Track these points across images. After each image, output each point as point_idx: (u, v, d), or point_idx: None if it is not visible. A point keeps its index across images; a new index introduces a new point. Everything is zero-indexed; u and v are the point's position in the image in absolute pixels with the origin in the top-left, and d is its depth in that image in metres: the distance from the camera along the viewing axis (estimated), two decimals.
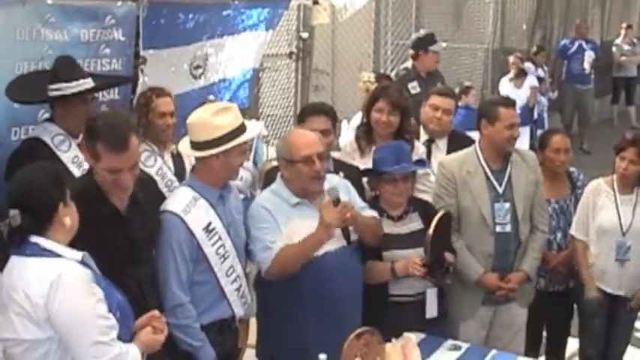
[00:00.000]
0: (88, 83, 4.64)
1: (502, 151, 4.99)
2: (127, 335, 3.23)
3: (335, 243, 4.28)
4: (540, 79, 12.53)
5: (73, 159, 4.48)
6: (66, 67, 4.61)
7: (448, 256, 4.65)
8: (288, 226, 4.24)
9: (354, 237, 4.38)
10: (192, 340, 3.96)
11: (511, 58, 12.13)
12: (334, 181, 4.51)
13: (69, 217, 3.16)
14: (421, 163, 4.98)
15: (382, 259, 4.59)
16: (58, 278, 3.01)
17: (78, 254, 3.15)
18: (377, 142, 5.36)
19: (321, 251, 4.21)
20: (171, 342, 3.88)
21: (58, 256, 3.10)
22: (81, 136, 4.47)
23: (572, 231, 5.48)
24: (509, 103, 5.09)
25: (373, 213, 4.54)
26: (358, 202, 4.51)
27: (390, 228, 4.67)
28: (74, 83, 4.55)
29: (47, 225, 3.12)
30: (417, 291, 4.63)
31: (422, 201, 4.91)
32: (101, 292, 3.11)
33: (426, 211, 4.76)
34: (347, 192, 4.47)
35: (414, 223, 4.72)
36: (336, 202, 4.22)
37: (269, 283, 4.32)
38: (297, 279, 4.21)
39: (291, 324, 4.31)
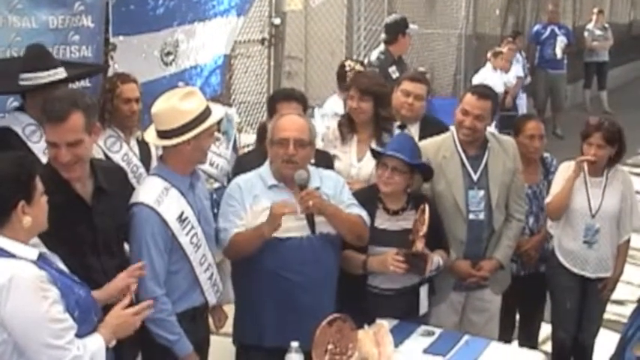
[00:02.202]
0: (61, 73, 4.59)
1: (458, 137, 4.98)
2: (88, 330, 3.18)
3: (299, 231, 4.27)
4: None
5: (44, 150, 4.42)
6: (38, 56, 4.57)
7: (441, 254, 4.66)
8: (254, 206, 4.25)
9: (325, 229, 4.32)
10: (167, 334, 3.93)
11: (506, 48, 11.98)
12: (325, 174, 4.51)
13: (30, 217, 3.08)
14: (424, 166, 4.76)
15: (364, 247, 4.54)
16: (9, 282, 2.93)
17: (34, 253, 3.08)
18: (358, 131, 5.36)
19: (283, 236, 4.20)
20: (146, 336, 3.87)
21: (12, 256, 3.01)
22: None
23: (547, 200, 5.48)
24: (479, 91, 5.06)
25: (360, 212, 4.44)
26: (345, 200, 4.45)
27: (382, 221, 4.62)
28: (46, 73, 4.50)
29: (3, 222, 3.05)
30: (401, 285, 4.61)
31: (424, 198, 4.75)
32: (57, 292, 3.03)
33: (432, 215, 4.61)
34: (335, 187, 4.44)
35: (407, 222, 4.62)
36: (303, 187, 4.21)
37: (237, 267, 4.39)
38: (257, 263, 4.24)
39: (251, 308, 4.35)
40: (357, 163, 5.22)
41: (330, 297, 4.41)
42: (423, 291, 4.67)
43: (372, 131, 5.34)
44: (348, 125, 5.40)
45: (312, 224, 4.29)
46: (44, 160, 4.32)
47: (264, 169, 4.40)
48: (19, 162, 3.15)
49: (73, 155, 3.58)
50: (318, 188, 4.33)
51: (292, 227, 4.23)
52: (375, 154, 4.77)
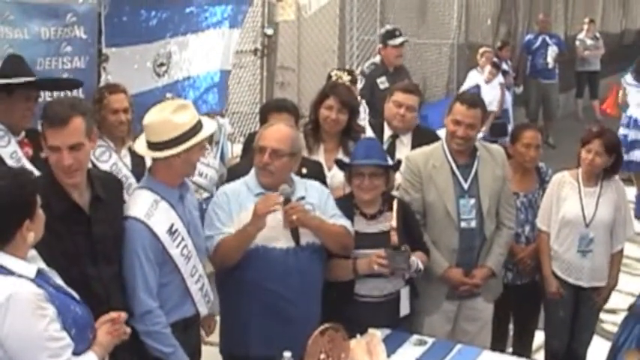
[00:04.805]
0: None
1: (450, 147, 5.00)
2: (84, 348, 3.18)
3: (284, 242, 4.28)
4: (505, 73, 12.52)
5: (12, 154, 4.47)
6: (13, 65, 4.61)
7: (420, 256, 4.64)
8: (241, 214, 4.27)
9: (310, 240, 4.34)
10: (162, 347, 3.92)
11: (484, 54, 11.94)
12: (310, 183, 4.52)
13: (33, 233, 3.09)
14: (397, 164, 4.89)
15: (349, 257, 4.55)
16: (7, 301, 2.93)
17: (32, 270, 3.07)
18: (324, 140, 5.37)
19: (268, 247, 4.22)
20: (141, 348, 3.87)
21: (11, 273, 3.01)
22: (22, 134, 4.55)
23: (537, 222, 5.52)
24: (468, 99, 5.05)
25: (344, 222, 4.47)
26: (329, 210, 4.47)
27: (362, 226, 4.63)
28: (17, 80, 4.52)
29: (7, 241, 3.04)
30: (386, 292, 4.62)
31: (400, 201, 4.80)
32: (54, 310, 3.03)
33: (400, 210, 4.69)
34: (319, 198, 4.46)
35: (386, 223, 4.64)
36: (287, 201, 4.23)
37: (222, 277, 4.39)
38: (242, 275, 4.25)
39: (237, 319, 4.36)
40: (328, 172, 5.23)
41: (315, 306, 4.43)
42: (404, 292, 4.67)
43: (339, 140, 5.37)
44: (313, 135, 5.41)
45: (296, 235, 4.31)
46: (11, 164, 4.36)
47: (250, 177, 4.42)
48: (22, 182, 3.13)
49: (74, 159, 3.59)
50: (302, 198, 4.36)
51: (277, 238, 4.25)
52: (345, 165, 4.77)
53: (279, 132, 4.36)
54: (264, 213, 4.13)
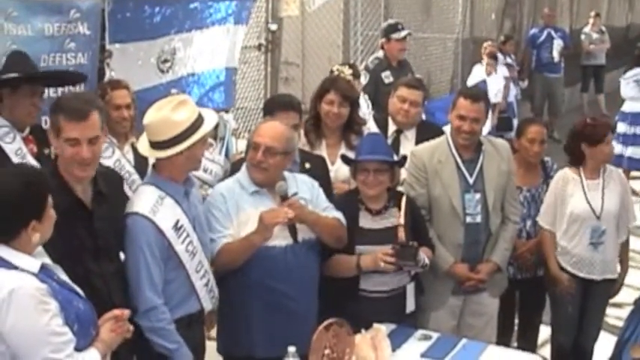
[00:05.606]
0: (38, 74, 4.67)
1: (455, 142, 4.99)
2: (86, 344, 3.18)
3: (282, 239, 4.28)
4: (509, 66, 12.49)
5: (17, 151, 4.47)
6: (17, 61, 4.63)
7: (426, 251, 4.63)
8: (239, 214, 4.28)
9: (306, 235, 4.35)
10: (167, 343, 3.91)
11: (487, 46, 11.98)
12: (300, 178, 4.51)
13: (40, 234, 3.09)
14: (402, 159, 4.88)
15: (354, 252, 4.55)
16: (9, 296, 2.94)
17: (36, 265, 3.07)
18: (326, 135, 5.36)
19: (269, 245, 4.22)
20: (142, 345, 3.87)
21: (14, 267, 3.01)
22: (27, 130, 4.56)
23: (539, 220, 5.50)
24: (471, 94, 5.05)
25: (337, 214, 4.48)
26: (321, 203, 4.48)
27: (367, 222, 4.63)
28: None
29: (12, 237, 3.05)
30: (391, 287, 4.61)
31: (408, 197, 4.79)
32: (57, 305, 3.03)
33: (408, 206, 4.68)
34: (310, 192, 4.47)
35: (392, 219, 4.64)
36: (284, 198, 4.24)
37: (222, 278, 4.36)
38: (244, 271, 4.25)
39: (239, 319, 4.35)
40: (331, 166, 5.23)
41: (314, 301, 4.44)
42: (410, 288, 4.67)
43: (341, 135, 5.36)
44: (314, 131, 5.40)
45: (294, 232, 4.32)
46: (16, 160, 4.38)
47: (242, 175, 4.41)
48: (30, 181, 3.12)
49: (92, 153, 3.62)
50: (295, 194, 4.35)
51: (275, 235, 4.24)
52: (350, 160, 4.76)
53: (275, 129, 4.35)
54: (271, 224, 4.13)
